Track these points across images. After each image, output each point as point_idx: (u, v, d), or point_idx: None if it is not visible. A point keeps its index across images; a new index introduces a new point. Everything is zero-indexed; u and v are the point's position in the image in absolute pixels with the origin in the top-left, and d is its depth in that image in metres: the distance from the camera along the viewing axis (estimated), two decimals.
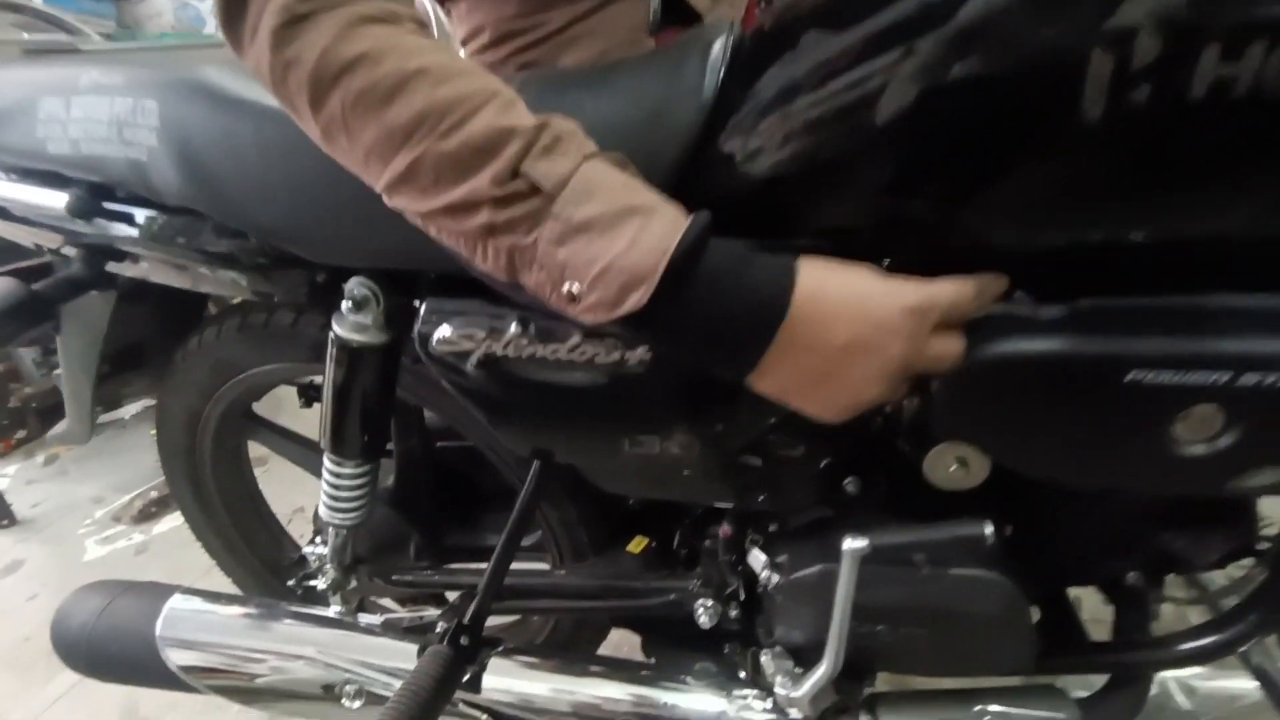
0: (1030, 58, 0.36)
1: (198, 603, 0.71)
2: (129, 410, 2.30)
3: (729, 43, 0.46)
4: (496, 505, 0.89)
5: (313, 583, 0.80)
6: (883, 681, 0.66)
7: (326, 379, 0.62)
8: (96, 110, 0.52)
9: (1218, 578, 0.64)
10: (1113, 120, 0.35)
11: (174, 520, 1.67)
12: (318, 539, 0.84)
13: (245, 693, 0.68)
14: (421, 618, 0.74)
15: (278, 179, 0.50)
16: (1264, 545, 0.54)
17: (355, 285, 0.55)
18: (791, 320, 0.40)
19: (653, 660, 0.73)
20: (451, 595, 0.90)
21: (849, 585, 0.52)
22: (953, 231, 0.43)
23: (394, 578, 0.80)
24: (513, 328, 0.50)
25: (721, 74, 0.45)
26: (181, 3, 2.54)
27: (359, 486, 0.69)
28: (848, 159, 0.43)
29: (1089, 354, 0.41)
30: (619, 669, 0.68)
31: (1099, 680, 0.64)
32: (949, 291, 0.41)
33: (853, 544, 0.51)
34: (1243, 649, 0.56)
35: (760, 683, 0.65)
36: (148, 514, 1.68)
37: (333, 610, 0.74)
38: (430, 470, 0.83)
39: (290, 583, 0.83)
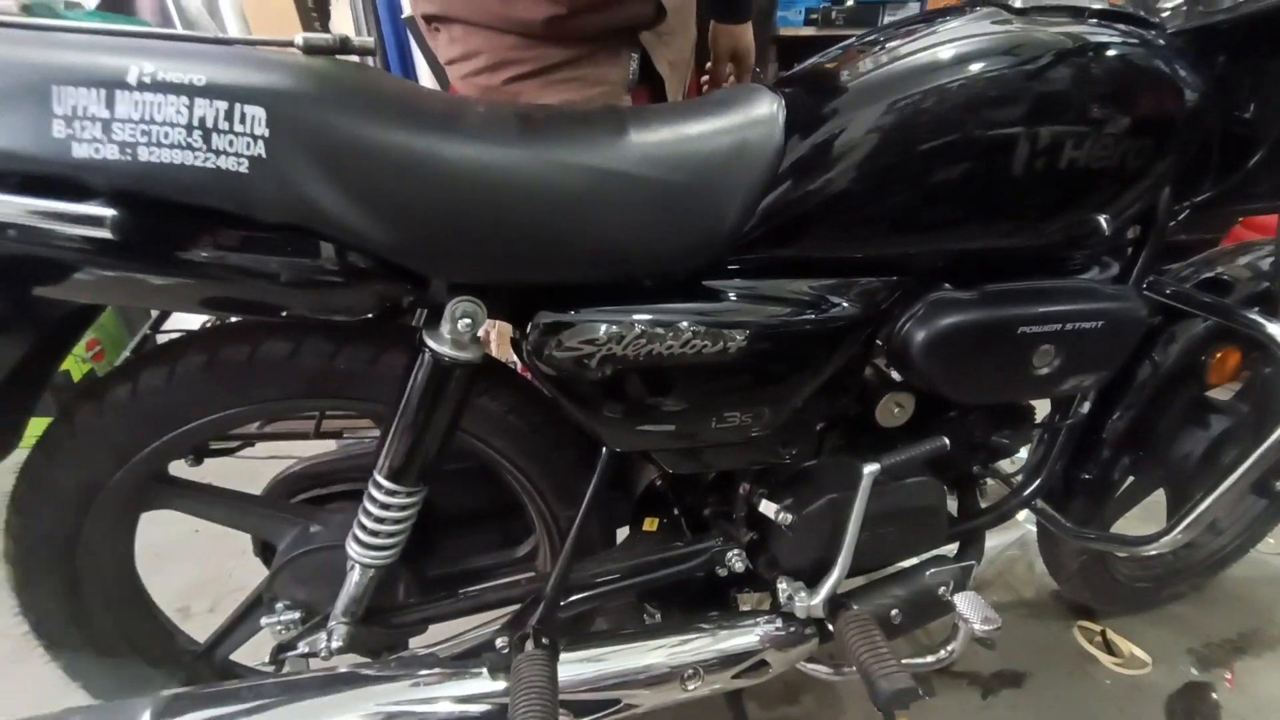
0: (991, 138, 0.60)
1: (195, 705, 0.58)
2: None
3: (779, 99, 0.62)
4: (462, 527, 0.88)
5: (301, 651, 0.70)
6: None
7: (406, 401, 0.59)
8: (164, 112, 0.43)
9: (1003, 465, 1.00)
10: (1024, 175, 0.62)
11: None
12: (278, 606, 0.74)
13: None
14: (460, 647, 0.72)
15: (412, 196, 0.50)
16: (1037, 432, 0.90)
17: (463, 302, 0.55)
18: None
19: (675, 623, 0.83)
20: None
21: (864, 501, 0.72)
22: (928, 244, 0.66)
23: (395, 622, 0.75)
24: (636, 329, 0.58)
25: (784, 120, 0.61)
26: None
27: (407, 517, 0.65)
28: (863, 199, 0.63)
29: (998, 318, 0.68)
30: (662, 633, 0.76)
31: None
32: None
33: (869, 468, 0.70)
34: (1035, 499, 0.91)
35: (772, 608, 0.81)
36: None
37: (350, 663, 0.67)
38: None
39: (264, 662, 0.71)
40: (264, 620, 0.74)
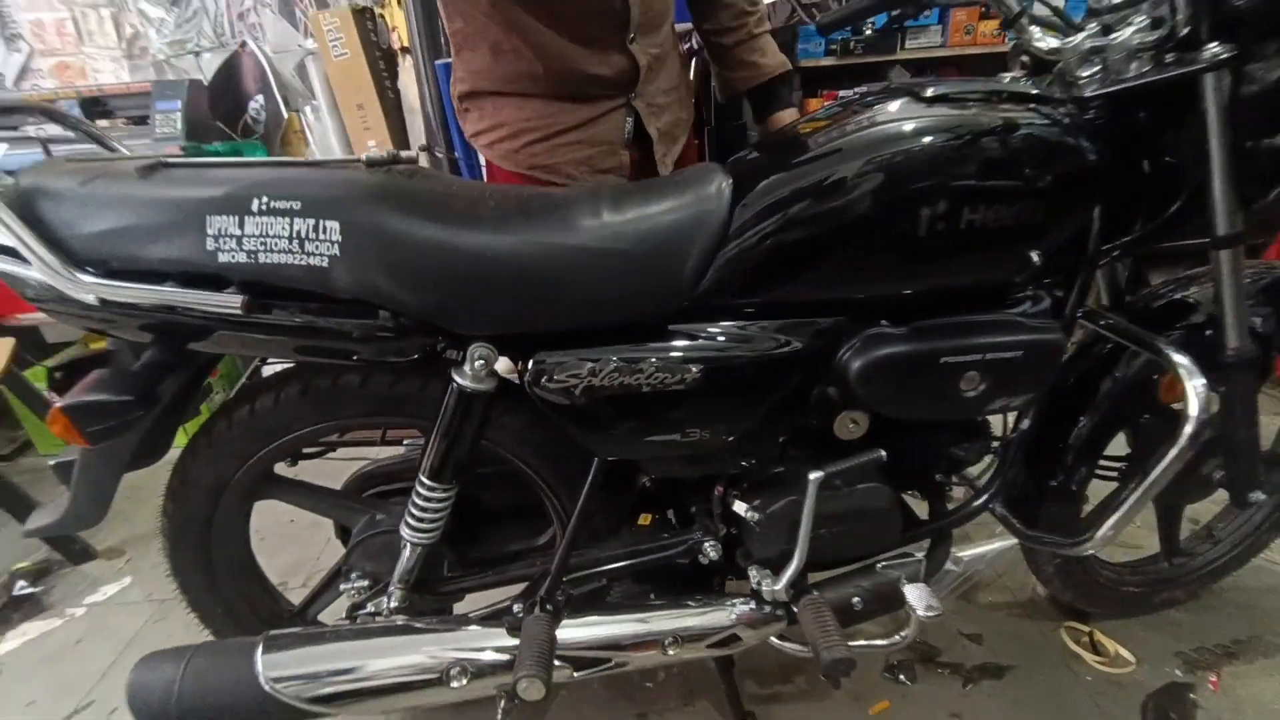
0: (901, 206, 0.74)
1: (291, 642, 0.80)
2: None
3: (728, 177, 0.78)
4: (498, 520, 1.07)
5: (369, 610, 0.92)
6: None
7: (440, 420, 0.79)
8: (274, 228, 0.65)
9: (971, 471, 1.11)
10: (928, 237, 0.75)
11: (24, 634, 1.45)
12: (353, 575, 0.96)
13: (358, 700, 0.79)
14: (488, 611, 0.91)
15: (440, 276, 0.69)
16: (995, 445, 1.00)
17: (479, 347, 0.75)
18: None
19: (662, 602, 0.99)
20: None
21: (812, 502, 0.86)
22: (858, 291, 0.80)
23: (441, 590, 0.96)
24: (611, 365, 0.75)
25: (729, 194, 0.77)
26: None
27: (444, 507, 0.85)
28: (800, 258, 0.77)
29: (923, 350, 0.81)
30: (651, 608, 0.93)
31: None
32: None
33: (814, 475, 0.85)
34: (991, 505, 1.02)
35: (744, 592, 0.96)
36: None
37: (404, 619, 0.88)
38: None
39: (341, 618, 0.93)
40: (342, 586, 0.96)
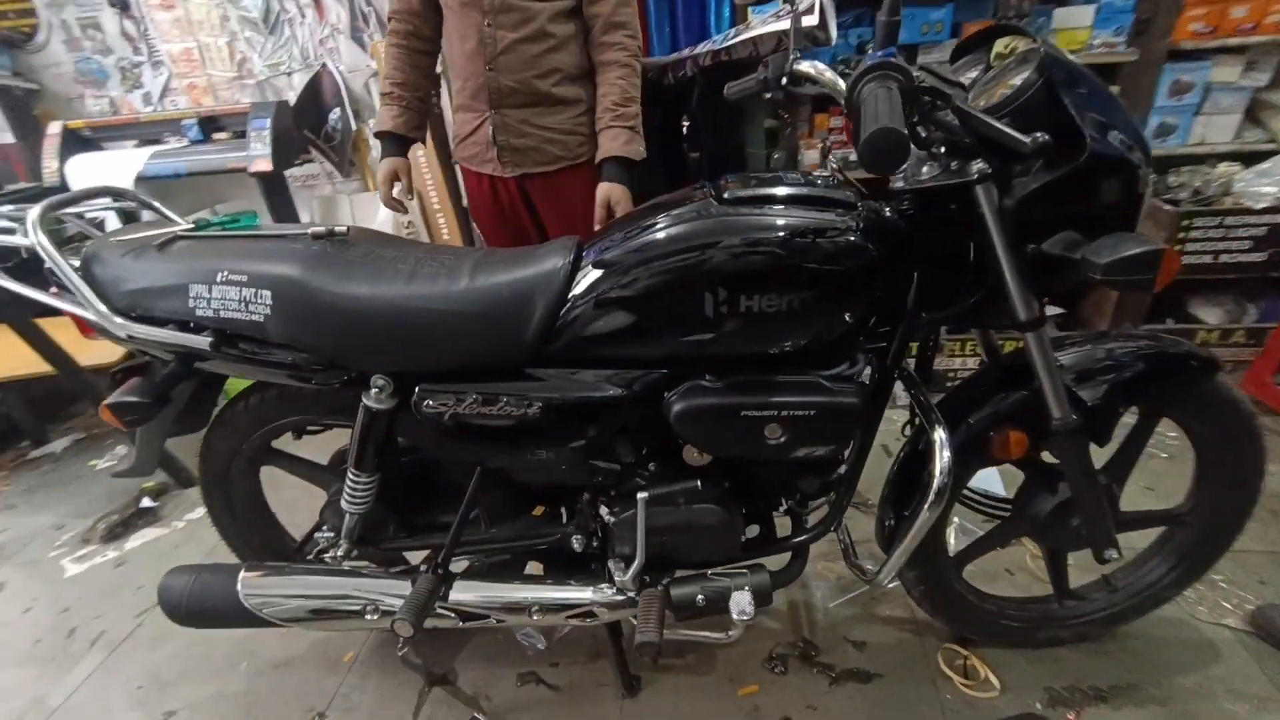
0: (690, 291, 0.90)
1: (262, 571, 1.14)
2: (58, 445, 2.48)
3: (572, 247, 0.98)
4: (441, 495, 1.36)
5: (326, 555, 1.24)
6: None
7: (355, 428, 1.08)
8: (230, 293, 0.95)
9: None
10: (715, 316, 0.91)
11: (144, 537, 1.96)
12: (324, 528, 1.28)
13: (303, 620, 1.12)
14: (404, 568, 1.21)
15: (344, 329, 0.96)
16: (832, 481, 1.14)
17: (378, 378, 1.01)
18: None
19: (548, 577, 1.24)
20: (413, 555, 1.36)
21: (644, 515, 1.06)
22: (672, 353, 0.98)
23: (383, 546, 1.26)
24: (470, 399, 0.99)
25: (569, 267, 0.97)
26: (83, 56, 2.70)
27: (369, 488, 1.15)
28: (623, 321, 0.96)
29: (728, 404, 0.97)
30: (531, 580, 1.18)
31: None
32: None
33: (642, 494, 1.05)
34: (834, 530, 1.16)
35: (608, 579, 1.18)
36: (114, 534, 1.95)
37: (348, 566, 1.19)
38: (400, 480, 1.28)
39: (309, 557, 1.26)
40: (316, 535, 1.29)
